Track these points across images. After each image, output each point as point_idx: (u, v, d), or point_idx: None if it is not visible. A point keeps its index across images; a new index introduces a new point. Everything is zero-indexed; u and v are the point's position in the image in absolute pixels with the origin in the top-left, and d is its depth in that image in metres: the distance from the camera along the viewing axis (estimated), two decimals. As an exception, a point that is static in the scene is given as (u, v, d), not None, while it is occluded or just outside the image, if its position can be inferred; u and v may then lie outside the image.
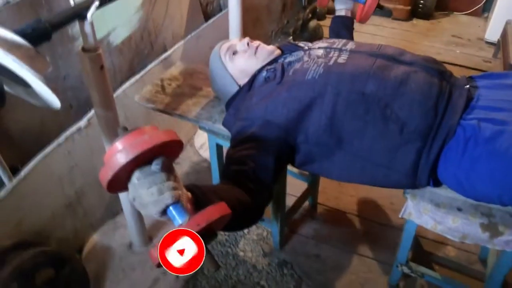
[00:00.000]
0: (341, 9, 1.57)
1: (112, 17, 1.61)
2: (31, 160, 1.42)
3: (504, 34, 2.87)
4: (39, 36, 0.90)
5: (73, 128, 1.55)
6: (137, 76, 1.83)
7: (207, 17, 2.31)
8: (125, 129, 0.72)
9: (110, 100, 1.21)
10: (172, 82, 1.58)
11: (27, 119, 1.43)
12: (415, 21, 3.63)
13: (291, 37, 3.32)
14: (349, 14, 1.58)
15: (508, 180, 0.95)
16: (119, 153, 0.68)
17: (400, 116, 1.05)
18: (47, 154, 1.46)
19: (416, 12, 3.63)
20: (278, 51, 1.30)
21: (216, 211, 0.74)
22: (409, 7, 3.55)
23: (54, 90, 0.87)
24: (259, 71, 1.24)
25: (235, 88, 1.29)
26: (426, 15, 3.61)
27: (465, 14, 3.66)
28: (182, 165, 2.16)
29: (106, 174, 0.69)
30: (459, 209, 1.17)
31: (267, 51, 1.29)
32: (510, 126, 0.98)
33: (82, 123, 1.57)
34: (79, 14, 1.02)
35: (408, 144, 1.05)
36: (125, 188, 0.74)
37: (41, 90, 0.87)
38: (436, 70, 1.14)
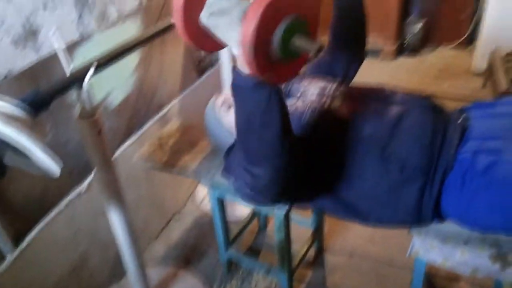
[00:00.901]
0: None
1: (108, 81, 1.66)
2: (33, 229, 1.42)
3: (490, 64, 2.94)
4: (37, 107, 0.94)
5: (74, 193, 1.55)
6: (135, 136, 1.86)
7: (200, 73, 2.39)
8: None
9: (109, 163, 1.22)
10: (169, 139, 1.61)
11: (28, 187, 1.44)
12: (402, 58, 3.74)
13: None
14: None
15: (508, 207, 0.95)
16: None
17: (399, 156, 1.06)
18: (50, 221, 1.46)
19: (402, 50, 3.75)
20: (271, 100, 1.34)
21: None
22: (395, 47, 3.66)
23: (53, 157, 0.89)
24: None
25: (232, 140, 1.31)
26: (413, 52, 3.73)
27: (450, 47, 3.77)
28: (185, 220, 2.15)
29: None
30: (466, 242, 1.16)
31: None
32: (505, 155, 0.99)
33: (83, 187, 1.58)
34: (76, 82, 1.06)
35: (410, 183, 1.06)
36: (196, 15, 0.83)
37: (39, 159, 0.88)
38: (429, 106, 1.17)
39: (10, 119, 0.84)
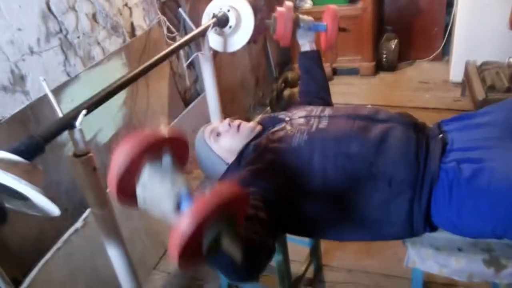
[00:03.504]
0: (305, 43, 1.59)
1: (97, 119, 1.69)
2: (32, 270, 1.41)
3: (466, 74, 3.04)
4: (33, 151, 0.96)
5: (71, 231, 1.56)
6: (127, 169, 1.87)
7: (186, 103, 2.43)
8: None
9: (105, 199, 1.24)
10: (162, 170, 1.63)
11: (24, 229, 1.44)
12: (382, 74, 3.83)
13: (268, 108, 3.46)
14: (313, 47, 1.59)
15: (496, 212, 0.99)
16: (124, 149, 0.69)
17: (386, 171, 1.10)
18: (47, 261, 1.46)
19: (381, 66, 3.84)
20: (259, 127, 1.37)
21: (227, 188, 0.72)
22: (373, 63, 3.76)
23: (53, 199, 0.91)
24: (246, 146, 1.30)
25: (224, 167, 1.33)
26: (391, 68, 3.82)
27: (426, 60, 3.88)
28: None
29: (114, 173, 0.69)
30: (460, 249, 1.19)
31: (249, 127, 1.35)
32: (487, 163, 1.04)
33: (79, 224, 1.59)
34: (68, 123, 1.09)
35: (399, 196, 1.09)
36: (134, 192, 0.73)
37: (40, 201, 0.90)
38: (411, 123, 1.22)
39: (9, 165, 0.86)
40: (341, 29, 1.60)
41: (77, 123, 1.08)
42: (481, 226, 1.04)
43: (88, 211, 1.61)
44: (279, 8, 1.54)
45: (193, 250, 0.69)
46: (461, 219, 1.05)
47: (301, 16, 1.56)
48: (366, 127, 1.18)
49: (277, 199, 1.11)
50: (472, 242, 1.16)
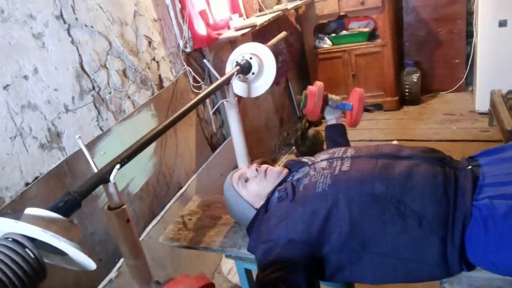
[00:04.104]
0: (331, 119, 1.68)
1: (129, 170, 1.74)
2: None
3: (492, 103, 3.00)
4: (70, 207, 1.00)
5: (105, 281, 1.58)
6: (158, 217, 1.91)
7: (213, 148, 2.48)
8: (158, 283, 0.79)
9: (139, 249, 1.27)
10: (192, 216, 1.66)
11: (61, 281, 1.47)
12: (405, 108, 3.81)
13: (293, 147, 3.48)
14: (339, 121, 1.68)
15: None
16: None
17: (415, 210, 1.08)
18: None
19: (404, 100, 3.84)
20: (286, 170, 1.39)
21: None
22: (397, 98, 3.77)
23: (90, 254, 0.94)
24: (272, 193, 1.32)
25: (252, 213, 1.35)
26: (415, 101, 3.81)
27: (450, 92, 3.85)
28: (214, 295, 2.13)
29: None
30: (500, 289, 1.15)
31: (276, 172, 1.38)
32: (522, 198, 1.02)
33: (113, 274, 1.61)
34: (103, 178, 1.13)
35: (431, 235, 1.07)
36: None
37: (78, 257, 0.93)
38: (436, 158, 1.20)
39: (48, 223, 0.90)
40: (366, 110, 1.70)
41: (111, 177, 1.12)
42: (520, 264, 1.00)
43: (121, 261, 1.63)
44: (310, 87, 1.64)
45: None
46: (499, 258, 1.02)
47: (330, 95, 1.67)
48: (389, 165, 1.18)
49: (306, 248, 1.12)
50: (512, 280, 1.12)
